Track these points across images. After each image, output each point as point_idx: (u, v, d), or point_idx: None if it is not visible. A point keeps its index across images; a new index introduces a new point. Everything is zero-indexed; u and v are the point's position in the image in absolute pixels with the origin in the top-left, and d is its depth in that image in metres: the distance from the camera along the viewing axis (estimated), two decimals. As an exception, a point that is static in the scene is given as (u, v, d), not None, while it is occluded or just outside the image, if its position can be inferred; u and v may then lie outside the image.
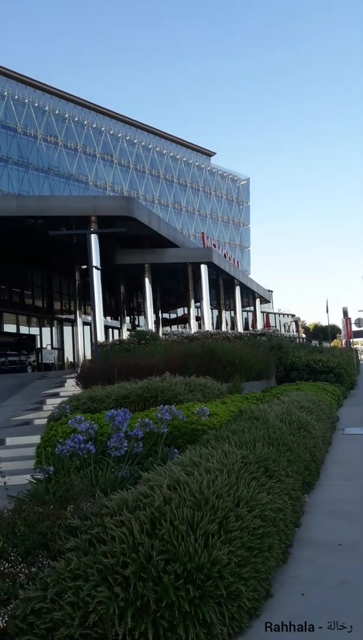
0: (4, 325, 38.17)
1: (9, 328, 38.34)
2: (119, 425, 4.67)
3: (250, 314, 52.91)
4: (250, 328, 42.08)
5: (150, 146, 66.24)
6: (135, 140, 64.33)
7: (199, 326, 35.01)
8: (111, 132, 61.60)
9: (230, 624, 2.74)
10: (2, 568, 2.75)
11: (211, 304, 36.38)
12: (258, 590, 3.05)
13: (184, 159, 71.09)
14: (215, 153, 79.24)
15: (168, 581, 2.68)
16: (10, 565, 2.79)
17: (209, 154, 78.37)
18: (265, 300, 51.83)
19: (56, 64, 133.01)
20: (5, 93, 51.79)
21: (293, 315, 78.29)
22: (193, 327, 36.63)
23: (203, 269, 32.80)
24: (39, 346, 38.75)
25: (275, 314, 70.93)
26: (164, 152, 68.11)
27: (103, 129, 60.69)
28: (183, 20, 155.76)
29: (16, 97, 52.68)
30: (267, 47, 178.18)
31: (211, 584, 2.77)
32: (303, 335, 47.45)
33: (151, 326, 32.12)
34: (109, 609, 2.56)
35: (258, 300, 48.84)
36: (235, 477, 3.75)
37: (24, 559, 2.90)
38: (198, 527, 3.02)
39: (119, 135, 62.48)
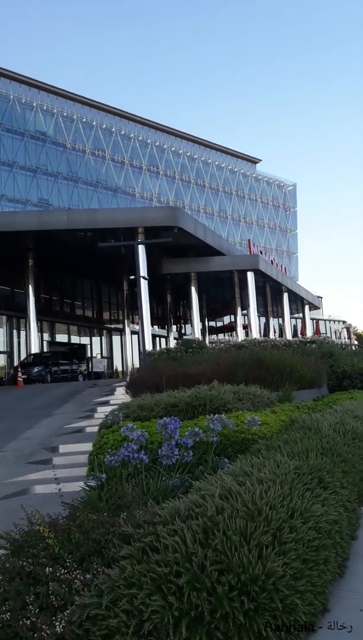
0: (56, 335, 39.24)
1: (61, 338, 39.41)
2: (172, 433, 4.69)
3: (299, 321, 52.00)
4: (299, 335, 41.33)
5: (195, 156, 66.73)
6: (180, 151, 64.99)
7: (247, 334, 34.75)
8: (157, 143, 62.51)
9: (286, 638, 2.68)
10: (58, 574, 2.80)
11: (258, 312, 36.07)
12: (314, 605, 2.97)
13: (230, 167, 71.16)
14: (261, 160, 78.99)
15: (222, 592, 2.65)
16: (66, 571, 2.84)
17: (254, 161, 78.13)
18: (314, 307, 50.89)
19: (100, 79, 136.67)
20: (55, 110, 53.61)
21: (344, 322, 76.34)
22: (240, 335, 36.40)
23: (250, 276, 32.59)
24: (89, 355, 39.57)
25: (325, 320, 69.46)
26: (209, 161, 68.43)
27: (149, 141, 61.68)
28: (219, 29, 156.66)
29: (65, 113, 54.42)
30: (312, 50, 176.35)
31: (265, 596, 2.72)
32: (356, 342, 46.17)
33: (198, 334, 32.17)
34: (164, 618, 2.55)
35: (307, 307, 47.99)
36: (288, 488, 3.68)
37: (79, 566, 2.95)
38: (252, 538, 2.98)
39: (165, 146, 63.31)
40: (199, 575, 2.74)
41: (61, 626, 2.51)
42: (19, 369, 25.00)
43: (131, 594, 2.65)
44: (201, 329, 37.47)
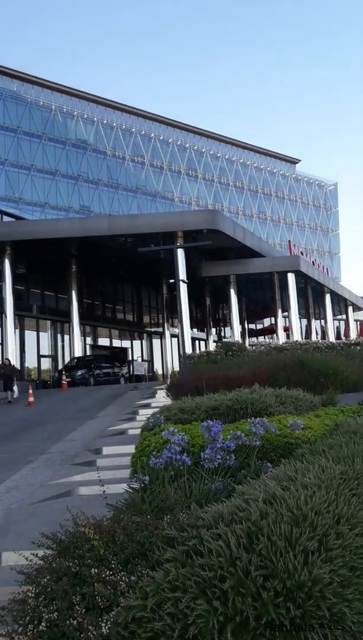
0: (98, 338, 39.89)
1: (103, 341, 40.03)
2: (215, 436, 4.68)
3: (342, 323, 50.92)
4: (343, 337, 40.46)
5: (234, 158, 66.54)
6: (219, 154, 64.95)
7: (288, 336, 34.29)
8: (195, 147, 62.71)
9: (333, 647, 2.61)
10: (103, 575, 2.83)
11: (299, 313, 35.55)
12: (363, 614, 2.89)
13: (269, 168, 70.56)
14: (300, 160, 77.95)
15: (268, 598, 2.62)
16: (111, 572, 2.87)
17: (294, 161, 77.17)
18: (358, 308, 49.71)
19: (139, 86, 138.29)
20: (95, 118, 54.63)
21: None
22: (281, 337, 35.95)
23: (290, 277, 32.19)
24: (130, 358, 40.01)
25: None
26: (248, 163, 68.07)
27: (187, 145, 61.95)
28: (257, 36, 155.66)
29: (105, 121, 55.38)
30: (353, 49, 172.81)
31: (312, 603, 2.67)
32: None
33: (237, 337, 31.99)
34: (209, 623, 2.54)
35: (350, 308, 46.96)
36: (334, 494, 3.59)
37: (124, 568, 2.97)
38: (297, 543, 2.93)
39: (203, 150, 63.42)
40: (243, 580, 2.71)
41: (106, 627, 2.54)
42: (64, 372, 25.53)
43: (175, 597, 2.65)
44: (240, 332, 37.25)
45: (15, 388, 20.34)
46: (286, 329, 36.16)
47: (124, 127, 56.87)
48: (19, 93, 49.57)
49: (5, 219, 34.38)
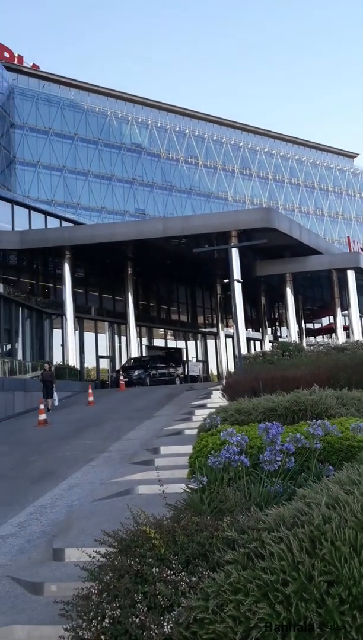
0: (154, 339, 40.33)
1: (158, 342, 40.42)
2: (274, 438, 4.61)
3: None
4: None
5: (289, 155, 65.44)
6: (273, 151, 64.10)
7: (348, 335, 33.31)
8: (249, 146, 62.20)
9: None
10: (164, 575, 2.85)
11: (360, 312, 34.43)
12: None
13: (325, 163, 68.87)
14: (358, 154, 75.55)
15: (332, 605, 2.54)
16: (172, 572, 2.88)
17: (351, 155, 74.92)
18: None
19: (191, 87, 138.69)
20: (149, 121, 55.32)
21: None
22: (341, 336, 34.96)
23: (350, 274, 31.27)
24: (185, 359, 40.17)
25: None
26: (304, 159, 66.74)
27: (241, 144, 61.55)
28: (305, 33, 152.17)
29: (159, 124, 55.97)
30: None
31: (380, 613, 2.56)
32: None
33: (294, 337, 31.39)
34: (271, 628, 2.50)
35: None
36: None
37: (184, 568, 2.98)
38: None
39: (257, 148, 62.80)
40: (307, 586, 2.65)
41: (169, 627, 2.55)
42: (121, 373, 25.97)
43: (237, 600, 2.62)
44: (297, 331, 36.54)
45: (55, 395, 18.58)
46: (346, 328, 35.14)
47: (177, 129, 57.25)
48: (75, 101, 51.00)
49: (65, 224, 35.43)
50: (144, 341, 38.75)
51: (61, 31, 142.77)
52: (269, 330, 47.47)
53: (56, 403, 18.45)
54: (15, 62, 48.95)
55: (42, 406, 15.05)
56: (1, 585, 4.39)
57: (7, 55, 48.30)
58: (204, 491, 4.38)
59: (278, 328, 50.89)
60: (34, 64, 51.18)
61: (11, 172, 45.75)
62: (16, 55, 49.51)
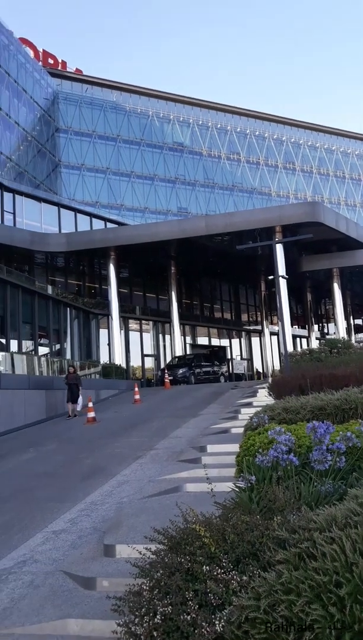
0: (197, 337, 40.37)
1: (202, 340, 40.43)
2: (322, 437, 4.52)
3: None
4: None
5: (333, 147, 63.96)
6: (317, 144, 62.82)
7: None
8: (292, 140, 61.21)
9: None
10: (215, 573, 2.85)
11: None
12: None
13: (371, 155, 66.90)
14: None
15: (388, 609, 2.47)
16: (222, 571, 2.88)
17: None
18: None
19: (231, 84, 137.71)
20: (191, 120, 55.35)
21: None
22: (391, 333, 33.89)
23: None
24: (229, 357, 39.99)
25: None
26: (349, 151, 65.06)
27: (284, 138, 60.66)
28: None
29: (200, 122, 55.91)
30: None
31: None
32: None
33: (343, 334, 30.70)
34: (325, 629, 2.45)
35: None
36: None
37: (235, 567, 2.97)
38: None
39: (301, 142, 61.73)
40: (361, 588, 2.59)
41: (220, 625, 2.55)
42: (166, 371, 26.13)
43: (289, 600, 2.59)
44: (346, 328, 35.66)
45: (80, 400, 17.12)
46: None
47: (219, 125, 57.02)
48: (118, 103, 51.64)
49: (109, 225, 35.99)
50: (188, 340, 38.85)
51: (102, 34, 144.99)
52: (316, 327, 46.60)
53: (79, 408, 17.00)
54: (59, 68, 50.02)
55: (90, 404, 15.34)
56: (55, 579, 4.51)
57: (51, 61, 49.43)
58: (253, 490, 4.35)
59: (326, 325, 49.88)
60: (77, 68, 52.16)
61: (57, 175, 46.83)
62: (60, 60, 50.59)
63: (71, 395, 16.97)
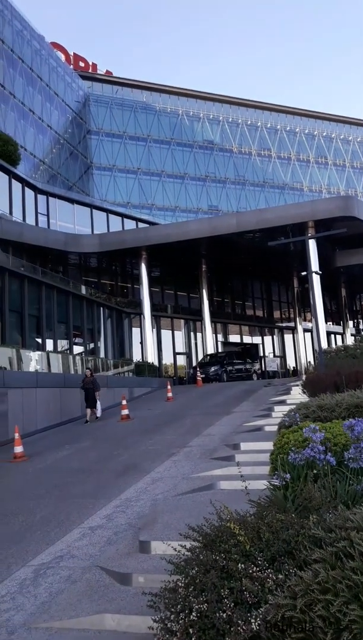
0: (229, 335, 40.21)
1: (234, 338, 40.26)
2: (359, 435, 4.44)
3: None
4: None
5: (367, 140, 62.66)
6: (350, 138, 61.62)
7: None
8: (324, 134, 60.24)
9: None
10: (250, 571, 2.83)
11: None
12: None
13: None
14: None
15: None
16: (258, 569, 2.86)
17: None
18: None
19: (261, 80, 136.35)
20: (221, 117, 55.12)
21: None
22: None
23: None
24: (261, 354, 39.68)
25: None
26: (383, 143, 63.59)
27: (316, 132, 59.75)
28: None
29: (230, 119, 55.63)
30: None
31: None
32: None
33: (379, 330, 30.03)
34: (364, 631, 2.41)
35: None
36: None
37: (270, 565, 2.95)
38: None
39: (333, 135, 60.68)
40: None
41: (256, 623, 2.53)
42: (198, 369, 26.13)
43: (326, 600, 2.55)
44: (382, 324, 34.88)
45: (98, 405, 16.23)
46: None
47: (249, 122, 56.60)
48: (148, 103, 51.88)
49: (140, 225, 36.22)
50: (220, 337, 38.75)
51: (132, 35, 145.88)
52: (351, 323, 45.76)
53: (99, 413, 16.18)
54: (90, 71, 50.60)
55: (124, 402, 15.48)
56: (91, 574, 4.58)
57: (82, 64, 50.05)
58: (288, 488, 4.30)
59: (361, 321, 48.91)
60: (107, 70, 52.65)
61: (89, 177, 47.41)
62: (90, 63, 51.16)
63: (88, 401, 16.18)
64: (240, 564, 2.90)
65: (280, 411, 11.78)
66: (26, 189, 30.62)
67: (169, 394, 18.83)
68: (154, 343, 31.92)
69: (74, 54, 49.59)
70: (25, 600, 4.27)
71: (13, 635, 3.76)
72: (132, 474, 8.03)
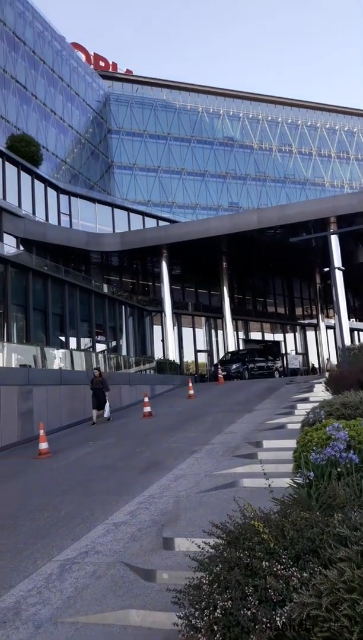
0: (250, 332, 40.05)
1: (255, 335, 40.08)
2: (384, 433, 4.38)
3: None
4: None
5: (390, 134, 61.60)
6: (372, 131, 60.69)
7: None
8: (346, 128, 59.46)
9: None
10: (275, 569, 2.83)
11: None
12: None
13: None
14: None
15: None
16: (282, 567, 2.85)
17: None
18: None
19: (282, 75, 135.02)
20: (241, 114, 54.82)
21: None
22: None
23: None
24: (283, 352, 39.42)
25: None
26: None
27: (337, 127, 59.01)
28: None
29: (251, 115, 55.29)
30: None
31: None
32: None
33: None
34: (391, 631, 2.38)
35: None
36: None
37: (295, 563, 2.94)
38: None
39: (355, 129, 59.84)
40: None
41: (281, 621, 2.53)
42: (219, 366, 26.08)
43: (352, 599, 2.53)
44: None
45: (107, 407, 15.26)
46: None
47: (270, 118, 56.17)
48: (168, 100, 51.90)
49: (161, 223, 36.30)
50: (241, 335, 38.62)
51: (151, 34, 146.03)
52: (374, 320, 45.15)
53: (107, 414, 15.25)
54: (110, 70, 50.82)
55: (146, 399, 15.55)
56: (116, 570, 4.62)
57: (102, 64, 50.31)
58: (312, 486, 4.28)
59: (384, 318, 48.20)
60: (127, 69, 52.82)
61: (110, 176, 47.68)
62: (111, 62, 51.39)
63: (97, 401, 15.24)
64: (264, 562, 2.89)
65: (302, 409, 11.69)
66: (49, 189, 30.96)
67: (191, 392, 18.85)
68: (176, 340, 31.99)
69: (94, 53, 49.89)
70: (52, 595, 4.34)
71: (40, 629, 3.83)
72: (155, 471, 8.07)
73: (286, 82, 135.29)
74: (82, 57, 46.11)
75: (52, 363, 18.32)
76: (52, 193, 31.33)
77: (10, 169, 27.48)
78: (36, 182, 29.67)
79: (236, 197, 53.05)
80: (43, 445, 11.19)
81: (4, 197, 26.33)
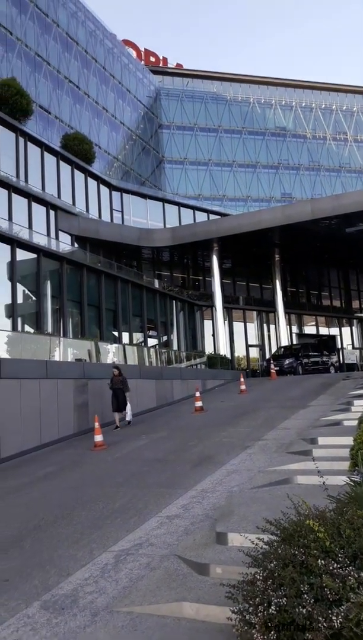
0: (304, 326, 39.28)
1: (309, 329, 39.28)
2: None
3: None
4: None
5: None
6: None
7: None
8: None
9: None
10: (331, 567, 2.77)
11: None
12: None
13: None
14: None
15: None
16: (338, 566, 2.79)
17: None
18: None
19: (335, 62, 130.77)
20: (294, 103, 53.64)
21: None
22: None
23: None
24: (339, 346, 38.41)
25: None
26: None
27: (395, 112, 56.61)
28: None
29: (303, 104, 53.99)
30: None
31: None
32: None
33: None
34: None
35: None
36: None
37: (351, 562, 2.87)
38: None
39: None
40: None
41: (338, 621, 2.48)
42: (272, 361, 25.78)
43: None
44: None
45: (128, 409, 14.02)
46: None
47: (323, 106, 54.64)
48: (218, 93, 51.50)
49: (212, 217, 36.16)
50: (294, 329, 37.94)
51: (201, 27, 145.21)
52: None
53: (129, 417, 14.08)
54: (161, 65, 50.96)
55: (198, 393, 15.59)
56: (170, 563, 4.68)
57: (152, 59, 50.52)
58: (369, 485, 4.15)
59: None
60: (177, 63, 52.79)
61: (161, 171, 47.92)
62: (161, 57, 51.51)
63: (117, 403, 13.96)
64: (319, 560, 2.84)
65: (359, 405, 11.38)
66: (101, 186, 31.52)
67: (243, 387, 18.73)
68: (226, 335, 31.87)
69: (145, 49, 50.16)
70: (107, 584, 4.44)
71: (96, 617, 3.93)
72: (207, 465, 8.09)
73: (340, 68, 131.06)
74: (133, 53, 46.47)
75: (106, 357, 18.69)
76: (104, 190, 31.86)
77: (65, 168, 28.16)
78: (89, 179, 30.25)
79: (289, 188, 52.03)
80: (98, 438, 11.45)
81: (59, 196, 27.02)
